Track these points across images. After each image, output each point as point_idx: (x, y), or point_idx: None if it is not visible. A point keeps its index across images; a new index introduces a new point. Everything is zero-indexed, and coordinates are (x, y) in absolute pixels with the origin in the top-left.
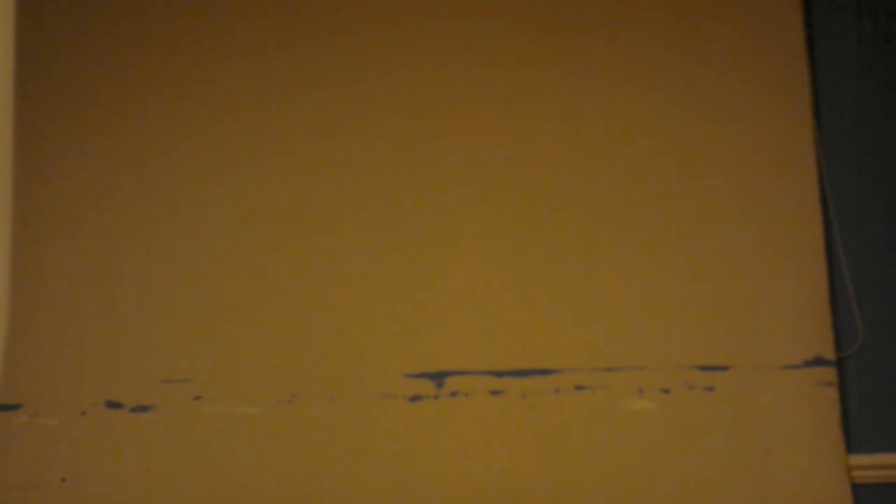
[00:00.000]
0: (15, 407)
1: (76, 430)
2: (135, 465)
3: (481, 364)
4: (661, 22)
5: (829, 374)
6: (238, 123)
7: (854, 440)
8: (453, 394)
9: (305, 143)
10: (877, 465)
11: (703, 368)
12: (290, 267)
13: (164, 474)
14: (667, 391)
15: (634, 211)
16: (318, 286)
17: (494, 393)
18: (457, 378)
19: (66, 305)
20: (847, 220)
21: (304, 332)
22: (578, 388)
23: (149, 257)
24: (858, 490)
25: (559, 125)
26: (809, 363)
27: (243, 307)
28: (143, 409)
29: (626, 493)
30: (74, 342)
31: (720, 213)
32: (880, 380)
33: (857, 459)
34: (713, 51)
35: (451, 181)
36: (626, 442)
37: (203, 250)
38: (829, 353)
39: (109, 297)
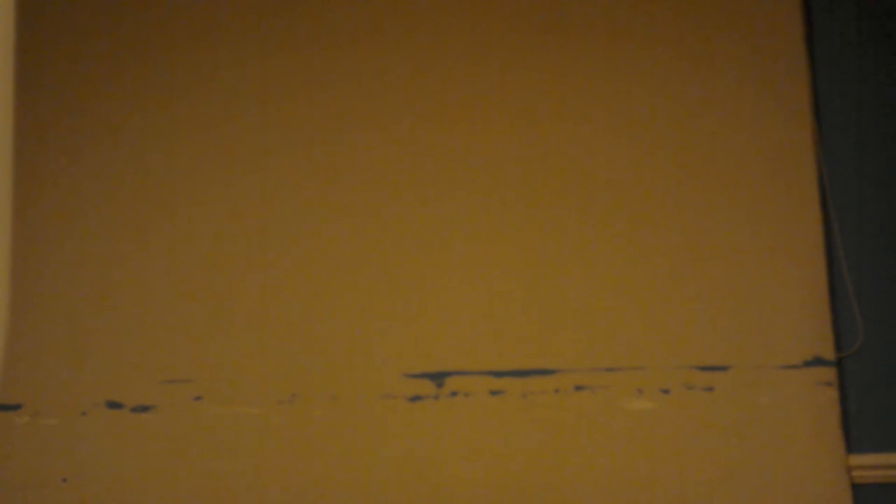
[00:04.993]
0: (15, 407)
1: (76, 430)
2: (135, 465)
3: (481, 364)
4: (661, 22)
5: (829, 374)
6: (238, 124)
7: (854, 440)
8: (453, 394)
9: (306, 143)
10: (877, 465)
11: (703, 368)
12: (290, 267)
13: (164, 474)
14: (666, 391)
15: (634, 211)
16: (318, 286)
17: (494, 393)
18: (457, 378)
19: (66, 305)
20: (847, 220)
21: (304, 332)
22: (578, 388)
23: (149, 257)
24: (858, 490)
25: (559, 126)
26: (809, 363)
27: (243, 307)
28: (144, 409)
29: (625, 493)
30: (74, 342)
31: (720, 213)
32: (880, 380)
33: (857, 459)
34: (713, 51)
35: (450, 182)
36: (626, 442)
37: (203, 250)
38: (829, 353)
39: (109, 297)
